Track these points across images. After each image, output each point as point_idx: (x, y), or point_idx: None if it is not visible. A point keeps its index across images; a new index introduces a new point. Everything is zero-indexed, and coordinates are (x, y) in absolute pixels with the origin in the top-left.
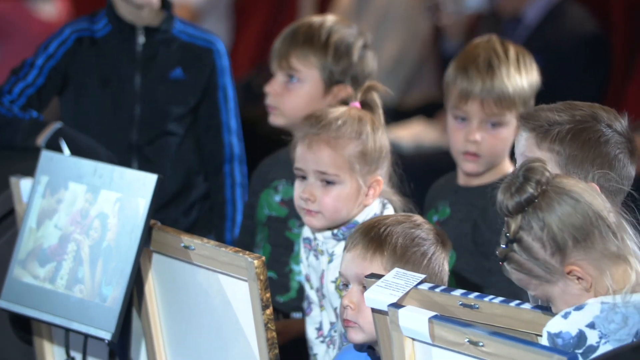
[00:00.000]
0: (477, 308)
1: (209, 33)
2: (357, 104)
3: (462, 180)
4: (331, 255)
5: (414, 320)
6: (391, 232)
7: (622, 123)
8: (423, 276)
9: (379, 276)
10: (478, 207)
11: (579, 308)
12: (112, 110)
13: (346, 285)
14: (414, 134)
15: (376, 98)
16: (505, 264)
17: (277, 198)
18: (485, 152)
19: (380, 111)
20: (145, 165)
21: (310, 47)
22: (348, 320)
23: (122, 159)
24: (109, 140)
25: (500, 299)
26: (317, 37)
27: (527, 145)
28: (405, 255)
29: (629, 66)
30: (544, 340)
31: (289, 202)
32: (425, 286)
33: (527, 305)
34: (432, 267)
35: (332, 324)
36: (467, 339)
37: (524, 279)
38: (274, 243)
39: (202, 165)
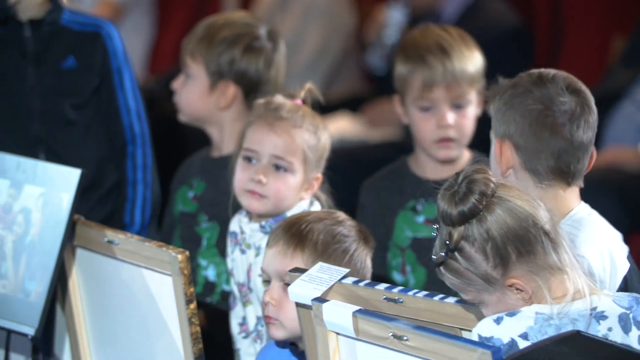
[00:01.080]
0: (401, 302)
1: (99, 19)
2: (299, 102)
3: (431, 173)
4: (258, 249)
5: (338, 314)
6: (312, 228)
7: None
8: (347, 270)
9: (303, 270)
10: None
11: (512, 314)
12: (11, 106)
13: (268, 281)
14: (338, 128)
15: (309, 99)
16: (441, 268)
17: (191, 194)
18: (459, 134)
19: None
20: (51, 158)
21: (199, 45)
22: (269, 317)
23: (29, 153)
24: (13, 135)
25: (424, 293)
26: (207, 35)
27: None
28: (327, 252)
29: (552, 59)
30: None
31: (200, 198)
32: (349, 280)
33: (451, 300)
34: (353, 264)
35: (258, 318)
36: (392, 333)
37: (460, 285)
38: (184, 238)
39: (111, 152)
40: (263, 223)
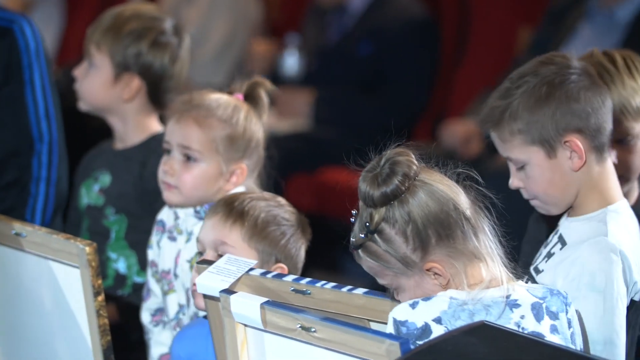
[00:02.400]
0: (309, 294)
1: (16, 14)
2: (239, 96)
3: None
4: (189, 234)
5: (246, 306)
6: (254, 206)
7: (562, 57)
8: (254, 262)
9: (210, 262)
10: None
11: (427, 299)
12: None
13: (201, 253)
14: None
15: (262, 94)
16: (359, 251)
17: (96, 187)
18: None
19: (265, 107)
20: None
21: (105, 35)
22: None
23: None
24: None
25: (333, 284)
26: (113, 26)
27: (499, 145)
28: (265, 231)
29: (459, 50)
30: (389, 326)
31: (106, 191)
32: (257, 272)
33: (359, 291)
34: (289, 249)
35: (181, 306)
36: (299, 325)
37: (377, 269)
38: (92, 231)
39: (16, 147)
40: (198, 208)
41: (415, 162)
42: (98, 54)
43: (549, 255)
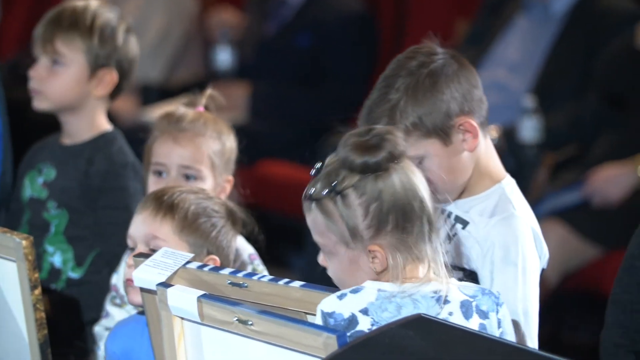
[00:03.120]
0: (246, 287)
1: None
2: (201, 109)
3: None
4: None
5: (183, 299)
6: (184, 199)
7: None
8: (191, 255)
9: (147, 255)
10: None
11: (355, 291)
12: None
13: (133, 248)
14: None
15: (212, 106)
16: (313, 204)
17: (40, 180)
18: None
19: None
20: None
21: (75, 31)
22: (131, 280)
23: None
24: None
25: (269, 277)
26: (82, 21)
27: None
28: (196, 223)
29: (396, 43)
30: (317, 318)
31: (50, 185)
32: (193, 265)
33: (296, 284)
34: (220, 240)
35: None
36: (236, 318)
37: (322, 227)
38: (32, 224)
39: None
40: None
41: (402, 145)
42: (69, 51)
43: (449, 237)
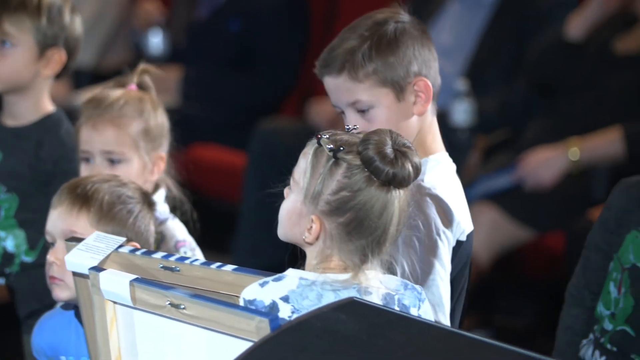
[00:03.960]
0: (178, 271)
1: None
2: (133, 87)
3: None
4: None
5: (115, 283)
6: (98, 189)
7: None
8: (123, 239)
9: (79, 239)
10: None
11: (277, 279)
12: None
13: (52, 243)
14: None
15: (149, 81)
16: (316, 145)
17: None
18: None
19: (153, 92)
20: None
21: (23, 11)
22: (54, 277)
23: None
24: None
25: (202, 261)
26: (29, 1)
27: (344, 90)
28: (112, 212)
29: (327, 29)
30: (240, 305)
31: None
32: (126, 249)
33: (228, 267)
34: (138, 226)
35: None
36: (169, 302)
37: (304, 168)
38: None
39: None
40: None
41: (413, 174)
42: (17, 32)
43: None
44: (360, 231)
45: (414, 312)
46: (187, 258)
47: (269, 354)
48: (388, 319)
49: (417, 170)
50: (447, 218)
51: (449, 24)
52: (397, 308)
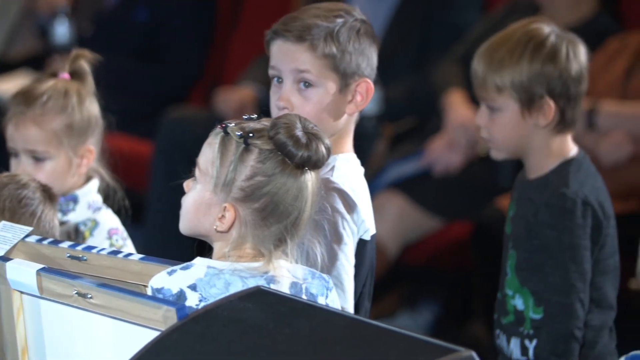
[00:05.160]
0: (85, 260)
1: None
2: (66, 75)
3: (527, 174)
4: None
5: (22, 273)
6: None
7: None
8: (30, 229)
9: None
10: (531, 202)
11: (185, 267)
12: None
13: None
14: (19, 85)
15: (85, 66)
16: (222, 133)
17: None
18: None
19: (90, 79)
20: None
21: None
22: None
23: None
24: None
25: (108, 250)
26: None
27: (298, 58)
28: (15, 217)
29: (233, 17)
30: (148, 294)
31: None
32: (32, 239)
33: (135, 257)
34: (42, 225)
35: None
36: (76, 291)
37: (211, 157)
38: None
39: None
40: None
41: (325, 157)
42: None
43: None
44: (275, 215)
45: (321, 300)
46: (94, 247)
47: (176, 343)
48: (294, 307)
49: (329, 151)
50: (353, 213)
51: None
52: (304, 297)
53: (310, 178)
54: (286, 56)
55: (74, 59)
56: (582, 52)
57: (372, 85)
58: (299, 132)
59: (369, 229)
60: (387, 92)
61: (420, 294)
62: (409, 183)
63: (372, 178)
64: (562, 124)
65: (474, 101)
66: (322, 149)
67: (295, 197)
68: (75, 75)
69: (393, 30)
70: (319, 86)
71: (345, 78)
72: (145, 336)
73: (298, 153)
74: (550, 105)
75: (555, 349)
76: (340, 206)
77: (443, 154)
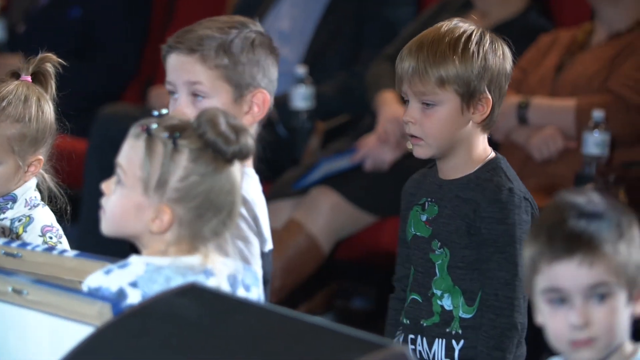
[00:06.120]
0: (20, 256)
1: None
2: (28, 78)
3: (442, 174)
4: None
5: None
6: None
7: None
8: None
9: None
10: (467, 200)
11: (122, 266)
12: None
13: None
14: None
15: (50, 68)
16: (143, 138)
17: None
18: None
19: (52, 82)
20: None
21: None
22: None
23: None
24: None
25: (43, 247)
26: None
27: (189, 70)
28: None
29: (167, 17)
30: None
31: None
32: None
33: (70, 253)
34: None
35: None
36: (11, 288)
37: (136, 159)
38: None
39: None
40: None
41: (252, 148)
42: None
43: None
44: (212, 211)
45: (255, 291)
46: (28, 244)
47: (111, 339)
48: (229, 304)
49: (254, 141)
50: (255, 223)
51: (288, 10)
52: (241, 288)
53: (238, 168)
54: (179, 69)
55: (39, 62)
56: (509, 51)
57: (268, 96)
58: (224, 128)
59: (267, 240)
60: (320, 88)
61: (353, 291)
62: (341, 179)
63: (304, 173)
64: (489, 122)
65: (404, 101)
66: (249, 140)
67: (229, 191)
68: (38, 78)
69: (325, 26)
70: (212, 97)
71: (240, 89)
72: (80, 332)
73: (229, 149)
74: (489, 100)
75: (500, 344)
76: (244, 212)
77: (375, 150)
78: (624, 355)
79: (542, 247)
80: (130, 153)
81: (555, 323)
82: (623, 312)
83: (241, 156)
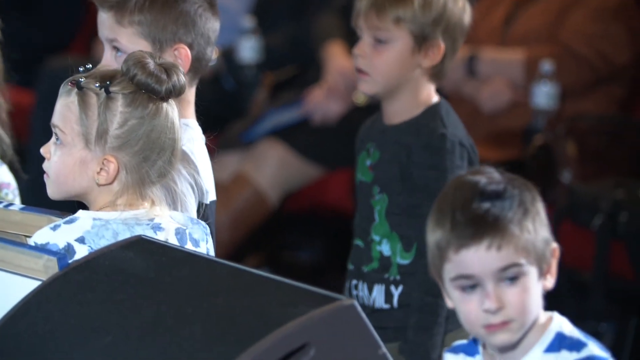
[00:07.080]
0: None
1: None
2: None
3: (386, 119)
4: None
5: None
6: None
7: None
8: None
9: None
10: (403, 145)
11: (69, 221)
12: None
13: None
14: None
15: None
16: (75, 89)
17: None
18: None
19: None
20: None
21: None
22: None
23: None
24: None
25: None
26: None
27: (108, 26)
28: None
29: None
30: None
31: None
32: None
33: (15, 207)
34: None
35: None
36: None
37: (72, 116)
38: None
39: None
40: None
41: (183, 84)
42: None
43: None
44: (155, 151)
45: (203, 245)
46: None
47: (57, 293)
48: (175, 256)
49: (184, 77)
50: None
51: None
52: (189, 242)
53: (174, 106)
54: (101, 25)
55: None
56: (469, 7)
57: (188, 51)
58: (153, 68)
59: (208, 192)
60: (267, 40)
61: (301, 243)
62: (289, 131)
63: (252, 126)
64: (439, 72)
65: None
66: (181, 76)
67: (170, 129)
68: None
69: None
70: (127, 49)
71: (158, 44)
72: (26, 286)
73: (162, 87)
74: (441, 48)
75: (433, 289)
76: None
77: (322, 102)
78: (539, 328)
79: (447, 234)
80: (65, 111)
81: (468, 308)
82: (535, 289)
83: (175, 93)
